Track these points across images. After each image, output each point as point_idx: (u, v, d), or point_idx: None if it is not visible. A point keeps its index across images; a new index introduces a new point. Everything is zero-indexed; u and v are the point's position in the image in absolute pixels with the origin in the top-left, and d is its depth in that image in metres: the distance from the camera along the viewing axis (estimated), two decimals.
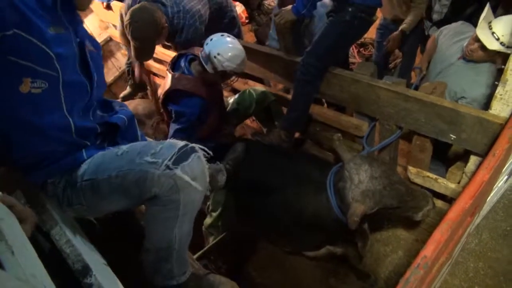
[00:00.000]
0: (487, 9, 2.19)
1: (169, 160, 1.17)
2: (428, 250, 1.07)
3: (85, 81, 1.26)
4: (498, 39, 2.09)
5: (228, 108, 2.74)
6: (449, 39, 2.46)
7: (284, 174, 2.15)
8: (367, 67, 2.24)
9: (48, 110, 1.18)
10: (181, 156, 1.19)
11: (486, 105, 2.21)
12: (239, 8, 5.26)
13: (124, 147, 1.28)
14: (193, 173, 1.20)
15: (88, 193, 1.28)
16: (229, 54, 2.14)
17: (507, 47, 2.09)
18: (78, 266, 1.11)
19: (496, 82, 1.69)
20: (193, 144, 1.26)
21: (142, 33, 2.28)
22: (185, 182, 1.18)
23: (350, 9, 2.08)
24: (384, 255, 2.29)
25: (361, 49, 4.44)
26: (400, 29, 3.05)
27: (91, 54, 1.28)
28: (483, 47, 2.16)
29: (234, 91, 3.06)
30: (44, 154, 1.26)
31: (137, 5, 2.30)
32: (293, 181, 2.10)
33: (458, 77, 2.32)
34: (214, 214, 2.37)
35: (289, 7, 2.25)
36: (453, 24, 2.56)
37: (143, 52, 2.42)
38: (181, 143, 1.23)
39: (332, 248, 2.21)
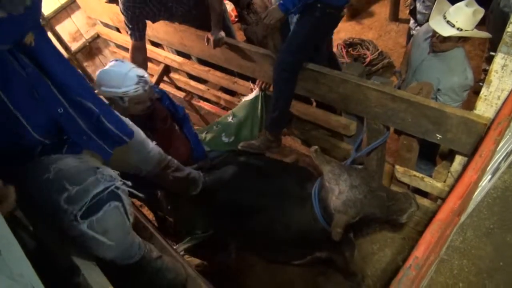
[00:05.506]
0: (438, 1, 2.26)
1: (80, 210, 1.10)
2: (419, 251, 1.08)
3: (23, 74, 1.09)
4: (453, 26, 2.13)
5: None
6: (420, 38, 2.51)
7: (268, 192, 2.14)
8: (356, 68, 2.26)
9: (6, 130, 1.11)
10: (92, 208, 1.12)
11: (464, 92, 2.29)
12: (229, 7, 5.24)
13: (52, 171, 1.17)
14: (104, 227, 1.14)
15: None
16: (99, 76, 1.89)
17: (465, 30, 2.13)
18: (66, 265, 1.10)
19: (481, 83, 1.72)
20: (116, 186, 1.18)
21: None
22: (92, 236, 1.13)
23: (319, 5, 2.16)
24: (371, 253, 2.33)
25: (349, 49, 4.45)
26: None
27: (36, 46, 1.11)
28: (442, 37, 2.21)
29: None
30: None
31: None
32: (277, 198, 2.09)
33: (431, 70, 2.38)
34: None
35: (276, 5, 2.23)
36: (426, 24, 2.60)
37: None
38: (100, 186, 1.15)
39: (318, 253, 2.22)
